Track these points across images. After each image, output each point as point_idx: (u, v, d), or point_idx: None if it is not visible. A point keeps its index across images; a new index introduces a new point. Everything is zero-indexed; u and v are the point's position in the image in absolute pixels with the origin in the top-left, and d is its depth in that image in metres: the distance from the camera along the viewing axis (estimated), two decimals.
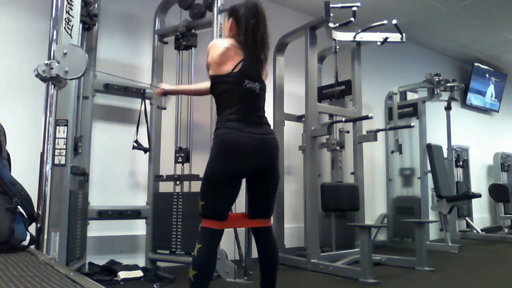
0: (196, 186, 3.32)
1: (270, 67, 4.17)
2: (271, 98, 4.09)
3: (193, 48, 3.51)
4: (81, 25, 2.60)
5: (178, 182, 3.40)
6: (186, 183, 3.41)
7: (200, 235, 1.78)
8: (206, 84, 1.98)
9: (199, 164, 3.08)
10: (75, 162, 2.85)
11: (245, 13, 1.87)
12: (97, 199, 3.19)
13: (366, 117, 3.74)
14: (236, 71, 1.80)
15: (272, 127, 1.96)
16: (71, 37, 2.31)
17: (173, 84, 3.56)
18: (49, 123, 2.13)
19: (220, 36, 3.10)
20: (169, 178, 3.43)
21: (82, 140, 2.97)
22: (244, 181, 1.90)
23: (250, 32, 1.84)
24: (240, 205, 2.18)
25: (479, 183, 6.80)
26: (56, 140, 2.28)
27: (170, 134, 3.55)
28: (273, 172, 1.90)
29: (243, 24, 1.86)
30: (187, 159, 3.37)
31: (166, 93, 2.38)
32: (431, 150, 4.84)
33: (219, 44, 1.85)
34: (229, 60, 1.81)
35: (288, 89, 4.22)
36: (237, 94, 1.81)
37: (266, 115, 1.94)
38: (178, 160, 3.39)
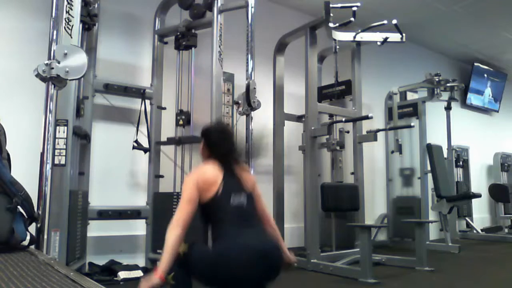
0: (196, 162, 3.34)
1: (270, 66, 4.17)
2: (271, 98, 4.10)
3: (193, 48, 3.51)
4: (81, 25, 2.60)
5: (179, 145, 3.39)
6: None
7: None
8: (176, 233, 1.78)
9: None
10: (76, 123, 2.85)
11: (213, 137, 1.95)
12: (97, 199, 3.19)
13: (366, 117, 3.74)
14: (219, 193, 1.79)
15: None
16: (71, 37, 2.31)
17: (173, 85, 3.57)
18: (49, 123, 2.13)
19: (220, 36, 3.10)
20: (170, 141, 3.42)
21: (84, 102, 2.99)
22: None
23: (221, 155, 1.89)
24: None
25: (479, 183, 6.80)
26: (56, 140, 2.28)
27: (170, 134, 3.55)
28: (270, 281, 1.81)
29: (213, 147, 1.93)
30: (187, 121, 3.37)
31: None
32: (431, 150, 4.84)
33: (189, 181, 1.83)
34: (210, 186, 1.79)
35: (288, 89, 4.22)
36: (226, 214, 1.79)
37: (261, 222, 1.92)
38: (179, 123, 3.40)
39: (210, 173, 1.83)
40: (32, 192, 1.96)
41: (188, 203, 1.77)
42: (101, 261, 3.19)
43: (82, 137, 2.98)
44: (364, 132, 4.17)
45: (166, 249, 1.69)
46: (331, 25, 3.59)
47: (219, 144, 1.93)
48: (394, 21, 3.81)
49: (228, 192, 1.80)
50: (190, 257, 1.73)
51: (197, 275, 1.76)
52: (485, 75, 7.11)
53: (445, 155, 5.44)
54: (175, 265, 1.69)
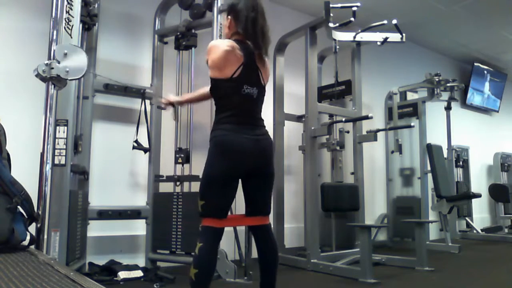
0: (196, 187, 3.33)
1: (270, 66, 4.17)
2: (271, 98, 4.10)
3: (193, 48, 3.51)
4: (81, 25, 2.60)
5: (178, 184, 3.41)
6: (186, 184, 3.41)
7: (201, 234, 1.79)
8: (208, 88, 1.98)
9: (199, 165, 3.07)
10: (75, 160, 2.85)
11: (244, 7, 1.88)
12: (97, 199, 3.19)
13: (366, 117, 3.74)
14: (235, 76, 1.81)
15: (268, 129, 1.97)
16: (71, 37, 2.31)
17: (173, 85, 3.57)
18: (49, 123, 2.13)
19: (220, 36, 3.10)
20: (169, 179, 3.43)
21: (82, 138, 2.98)
22: (240, 181, 1.91)
23: (250, 25, 1.86)
24: (239, 206, 2.18)
25: (479, 183, 6.80)
26: (56, 140, 2.28)
27: (170, 134, 3.55)
28: (268, 171, 1.92)
29: (243, 17, 1.87)
30: (187, 159, 3.37)
31: (173, 104, 2.33)
32: (431, 150, 4.84)
33: (219, 46, 1.83)
34: (228, 65, 1.81)
35: (288, 89, 4.22)
36: (235, 99, 1.84)
37: (263, 117, 1.97)
38: (178, 161, 3.39)
39: (234, 51, 1.82)
40: (32, 192, 1.96)
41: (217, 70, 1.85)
42: (101, 261, 3.19)
43: (80, 174, 2.97)
44: (364, 132, 4.17)
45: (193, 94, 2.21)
46: (331, 25, 3.59)
47: (248, 18, 1.86)
48: (394, 21, 3.81)
49: (243, 79, 1.83)
50: (203, 187, 1.82)
51: (211, 176, 1.81)
52: (485, 72, 7.10)
53: (445, 155, 5.44)
54: (203, 243, 1.75)
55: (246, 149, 1.81)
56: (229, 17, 1.95)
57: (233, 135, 1.80)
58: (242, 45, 1.86)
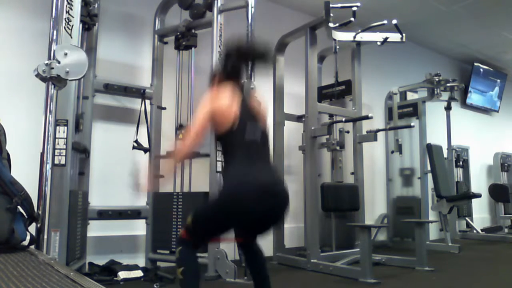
0: (197, 162, 3.33)
1: (270, 73, 4.17)
2: (271, 98, 4.10)
3: (193, 48, 3.51)
4: (81, 25, 2.60)
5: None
6: (186, 184, 3.41)
7: (180, 242, 1.78)
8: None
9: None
10: (76, 138, 2.85)
11: (233, 57, 1.91)
12: (97, 199, 3.19)
13: (366, 117, 3.74)
14: (235, 127, 1.78)
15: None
16: (71, 37, 2.31)
17: (173, 85, 3.57)
18: (49, 123, 2.13)
19: (220, 36, 3.10)
20: (169, 154, 3.42)
21: (83, 117, 2.99)
22: None
23: (238, 74, 1.89)
24: None
25: (479, 183, 6.80)
26: (56, 140, 2.28)
27: (170, 134, 3.55)
28: (279, 218, 1.83)
29: (229, 63, 1.90)
30: None
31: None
32: (431, 150, 4.84)
33: (216, 103, 1.83)
34: (226, 119, 1.78)
35: (288, 89, 4.22)
36: (241, 147, 1.80)
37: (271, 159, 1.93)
38: (179, 137, 3.39)
39: (228, 105, 1.80)
40: (32, 192, 1.96)
41: (201, 133, 1.81)
42: (101, 261, 3.19)
43: (81, 152, 2.98)
44: (364, 132, 4.17)
45: (185, 147, 1.85)
46: (331, 25, 3.59)
47: (237, 66, 1.88)
48: (394, 21, 3.81)
49: (244, 126, 1.79)
50: (197, 218, 1.75)
51: (208, 220, 1.76)
52: (490, 77, 7.12)
53: (445, 155, 5.44)
54: (182, 247, 1.73)
55: (257, 205, 1.68)
56: (216, 77, 1.98)
57: (247, 192, 1.67)
58: (233, 91, 1.86)
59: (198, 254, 1.85)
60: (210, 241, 1.85)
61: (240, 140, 1.78)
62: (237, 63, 1.90)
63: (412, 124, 4.29)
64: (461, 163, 6.26)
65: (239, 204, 1.66)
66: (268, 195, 1.70)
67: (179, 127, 3.47)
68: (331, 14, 3.57)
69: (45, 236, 2.07)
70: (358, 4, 3.52)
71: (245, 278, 2.87)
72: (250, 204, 1.65)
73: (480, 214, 6.76)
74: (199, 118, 1.81)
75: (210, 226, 1.77)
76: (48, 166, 2.10)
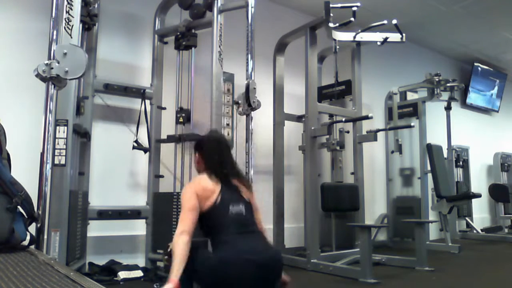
0: None
1: (270, 66, 4.18)
2: (271, 98, 4.10)
3: (193, 48, 3.50)
4: (81, 25, 2.60)
5: (179, 142, 3.41)
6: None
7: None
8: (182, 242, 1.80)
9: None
10: (77, 121, 2.85)
11: (208, 149, 1.99)
12: (97, 199, 3.19)
13: (366, 117, 3.74)
14: (218, 203, 1.83)
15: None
16: (71, 37, 2.30)
17: (173, 85, 3.57)
18: (49, 123, 2.13)
19: (220, 36, 3.10)
20: (170, 138, 3.42)
21: (84, 100, 3.01)
22: None
23: (217, 165, 1.93)
24: None
25: (479, 183, 6.80)
26: (56, 140, 2.28)
27: (170, 134, 3.54)
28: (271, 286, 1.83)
29: (209, 158, 1.97)
30: (188, 119, 3.37)
31: None
32: (431, 150, 4.84)
33: (196, 183, 1.90)
34: (208, 196, 1.84)
35: (288, 89, 4.22)
36: (226, 222, 1.82)
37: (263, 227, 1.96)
38: (179, 121, 3.40)
39: (208, 182, 1.87)
40: (32, 192, 1.96)
41: (191, 211, 1.81)
42: (101, 261, 3.19)
43: (82, 135, 2.99)
44: (364, 132, 4.17)
45: (177, 257, 1.72)
46: (331, 25, 3.59)
47: (213, 155, 1.96)
48: (394, 21, 3.81)
49: (227, 200, 1.84)
50: (193, 260, 1.75)
51: (198, 279, 1.78)
52: (490, 77, 7.11)
53: (445, 155, 5.44)
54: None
55: (247, 282, 1.71)
56: (196, 153, 2.04)
57: (231, 265, 1.69)
58: (214, 176, 1.91)
59: None
60: None
61: (224, 216, 1.82)
62: (214, 153, 1.98)
63: (412, 124, 4.29)
64: (461, 163, 6.26)
65: (228, 275, 1.68)
66: (254, 265, 1.70)
67: (179, 110, 3.46)
68: (331, 14, 3.57)
69: (45, 236, 2.07)
70: (358, 4, 3.52)
71: None
72: (236, 276, 1.68)
73: (480, 214, 6.76)
74: (185, 198, 1.83)
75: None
76: (48, 166, 2.10)
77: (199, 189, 1.85)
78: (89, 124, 3.13)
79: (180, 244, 1.74)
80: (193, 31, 3.47)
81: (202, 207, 1.84)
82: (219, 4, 3.17)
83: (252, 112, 3.09)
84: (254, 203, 1.98)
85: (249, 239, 1.80)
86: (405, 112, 5.31)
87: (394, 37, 4.05)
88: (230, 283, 1.69)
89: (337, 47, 3.77)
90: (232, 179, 1.94)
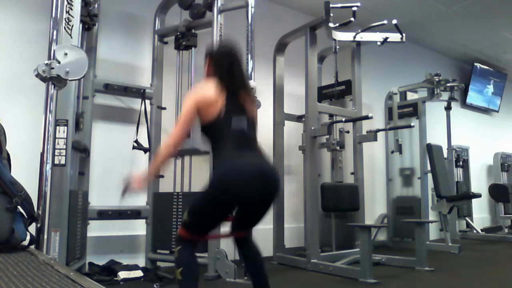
0: (197, 162, 3.33)
1: (270, 68, 4.18)
2: (271, 98, 4.10)
3: (193, 48, 3.50)
4: (81, 25, 2.60)
5: (179, 157, 3.42)
6: (186, 181, 3.41)
7: (178, 241, 1.79)
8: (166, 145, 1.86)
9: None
10: (76, 137, 2.85)
11: (219, 57, 1.93)
12: (97, 199, 3.19)
13: (366, 117, 3.74)
14: (222, 115, 1.79)
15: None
16: (71, 37, 2.30)
17: (173, 85, 3.57)
18: (49, 123, 2.13)
19: (220, 36, 3.11)
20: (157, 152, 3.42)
21: (83, 116, 2.99)
22: None
23: (226, 74, 1.87)
24: None
25: (479, 183, 6.80)
26: (56, 140, 2.28)
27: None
28: (270, 202, 1.86)
29: (219, 66, 1.90)
30: (187, 134, 3.37)
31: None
32: (431, 150, 4.84)
33: (201, 91, 1.85)
34: (212, 107, 1.80)
35: (288, 89, 4.22)
36: (227, 135, 1.80)
37: (259, 141, 1.94)
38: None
39: (213, 93, 1.81)
40: (32, 192, 1.96)
41: (186, 124, 1.82)
42: (101, 261, 3.19)
43: (81, 151, 2.98)
44: (364, 132, 4.17)
45: (159, 158, 1.82)
46: (331, 25, 3.59)
47: (222, 65, 1.89)
48: (394, 21, 3.81)
49: (230, 114, 1.80)
50: (193, 209, 1.78)
51: (203, 210, 1.76)
52: (487, 75, 7.10)
53: (445, 155, 5.44)
54: (181, 246, 1.74)
55: (249, 188, 1.71)
56: (207, 59, 1.98)
57: (234, 172, 1.71)
58: (219, 84, 1.86)
59: (198, 254, 1.85)
60: (208, 232, 1.84)
61: (227, 129, 1.79)
62: (223, 63, 1.91)
63: (412, 124, 4.29)
64: (461, 163, 6.26)
65: (231, 187, 1.69)
66: (258, 176, 1.72)
67: None
68: (331, 14, 3.57)
69: (45, 236, 2.07)
70: (358, 4, 3.52)
71: (245, 278, 2.87)
72: (241, 185, 1.69)
73: (480, 214, 6.76)
74: (185, 110, 1.82)
75: (206, 215, 1.77)
76: (48, 166, 2.11)
77: (202, 100, 1.80)
78: (89, 124, 3.13)
79: (167, 154, 1.81)
80: (193, 31, 3.47)
81: (205, 119, 1.81)
82: (219, 4, 3.17)
83: None
84: (255, 119, 1.94)
85: (250, 155, 1.81)
86: (405, 112, 5.31)
87: (394, 37, 4.05)
88: (234, 195, 1.70)
89: (337, 47, 3.77)
90: (238, 91, 1.88)
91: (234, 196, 1.72)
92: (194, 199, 1.82)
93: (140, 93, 3.43)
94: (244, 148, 1.81)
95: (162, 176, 3.47)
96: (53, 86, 2.11)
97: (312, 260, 3.48)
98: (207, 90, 1.83)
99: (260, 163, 1.79)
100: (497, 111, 7.57)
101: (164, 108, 3.58)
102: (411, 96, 5.64)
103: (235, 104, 1.84)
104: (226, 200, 1.73)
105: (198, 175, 3.41)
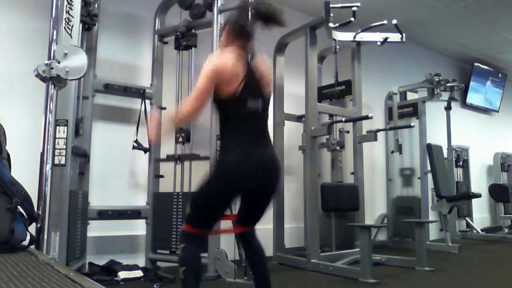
0: (197, 166, 3.34)
1: (270, 65, 4.17)
2: (271, 98, 4.09)
3: (193, 48, 3.51)
4: (81, 25, 2.60)
5: (178, 162, 3.42)
6: (186, 179, 3.41)
7: (183, 237, 1.79)
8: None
9: (199, 145, 3.07)
10: (76, 143, 2.85)
11: (240, 19, 1.88)
12: (97, 199, 3.19)
13: (366, 117, 3.74)
14: (238, 93, 1.74)
15: (268, 129, 1.91)
16: (71, 37, 2.31)
17: (173, 85, 3.57)
18: (49, 123, 2.13)
19: (220, 36, 3.10)
20: (169, 158, 3.42)
21: (83, 121, 3.00)
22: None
23: (247, 41, 1.84)
24: None
25: (479, 183, 6.80)
26: (56, 140, 2.28)
27: (170, 135, 3.54)
28: (272, 191, 1.87)
29: (239, 32, 1.86)
30: (187, 139, 3.37)
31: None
32: (431, 150, 4.84)
33: (220, 62, 1.76)
34: (230, 81, 1.73)
35: (288, 89, 4.22)
36: (239, 117, 1.78)
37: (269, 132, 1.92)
38: (179, 140, 3.39)
39: (233, 66, 1.74)
40: (32, 192, 1.96)
41: (200, 101, 1.75)
42: (101, 261, 3.19)
43: (80, 156, 2.98)
44: (364, 132, 4.17)
45: (186, 108, 1.74)
46: (331, 25, 3.59)
47: (245, 27, 1.83)
48: (394, 21, 3.81)
49: (246, 93, 1.75)
50: (196, 198, 1.78)
51: (206, 197, 1.76)
52: (486, 74, 7.10)
53: (445, 155, 5.44)
54: (186, 244, 1.73)
55: (254, 177, 1.74)
56: (226, 27, 1.92)
57: (241, 160, 1.72)
58: (240, 56, 1.80)
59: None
60: (211, 224, 1.83)
61: (241, 109, 1.75)
62: (250, 21, 1.84)
63: (412, 124, 4.29)
64: (461, 163, 6.27)
65: (236, 175, 1.71)
66: (263, 167, 1.75)
67: (179, 130, 3.46)
68: (331, 14, 3.57)
69: (45, 236, 2.06)
70: (358, 4, 3.52)
71: (245, 278, 2.88)
72: (246, 174, 1.71)
73: (480, 214, 6.76)
74: (202, 79, 1.73)
75: (209, 203, 1.76)
76: (48, 166, 2.10)
77: (222, 72, 1.71)
78: (89, 124, 3.13)
79: (188, 118, 1.80)
80: (193, 31, 3.47)
81: (221, 93, 1.74)
82: (219, 4, 3.17)
83: None
84: (269, 99, 1.90)
85: (259, 143, 1.80)
86: (405, 112, 5.31)
87: (394, 37, 4.06)
88: (246, 176, 1.72)
89: (337, 47, 3.77)
90: (257, 61, 1.83)
91: (240, 184, 1.73)
92: (198, 187, 1.79)
93: (140, 93, 3.43)
94: (254, 134, 1.79)
95: (162, 176, 3.48)
96: (53, 86, 2.11)
97: (312, 260, 3.48)
98: (229, 62, 1.74)
99: (266, 154, 1.81)
100: (497, 111, 7.57)
101: (164, 108, 3.58)
102: (411, 96, 5.64)
103: (253, 84, 1.78)
104: (231, 188, 1.74)
105: (198, 175, 3.41)
